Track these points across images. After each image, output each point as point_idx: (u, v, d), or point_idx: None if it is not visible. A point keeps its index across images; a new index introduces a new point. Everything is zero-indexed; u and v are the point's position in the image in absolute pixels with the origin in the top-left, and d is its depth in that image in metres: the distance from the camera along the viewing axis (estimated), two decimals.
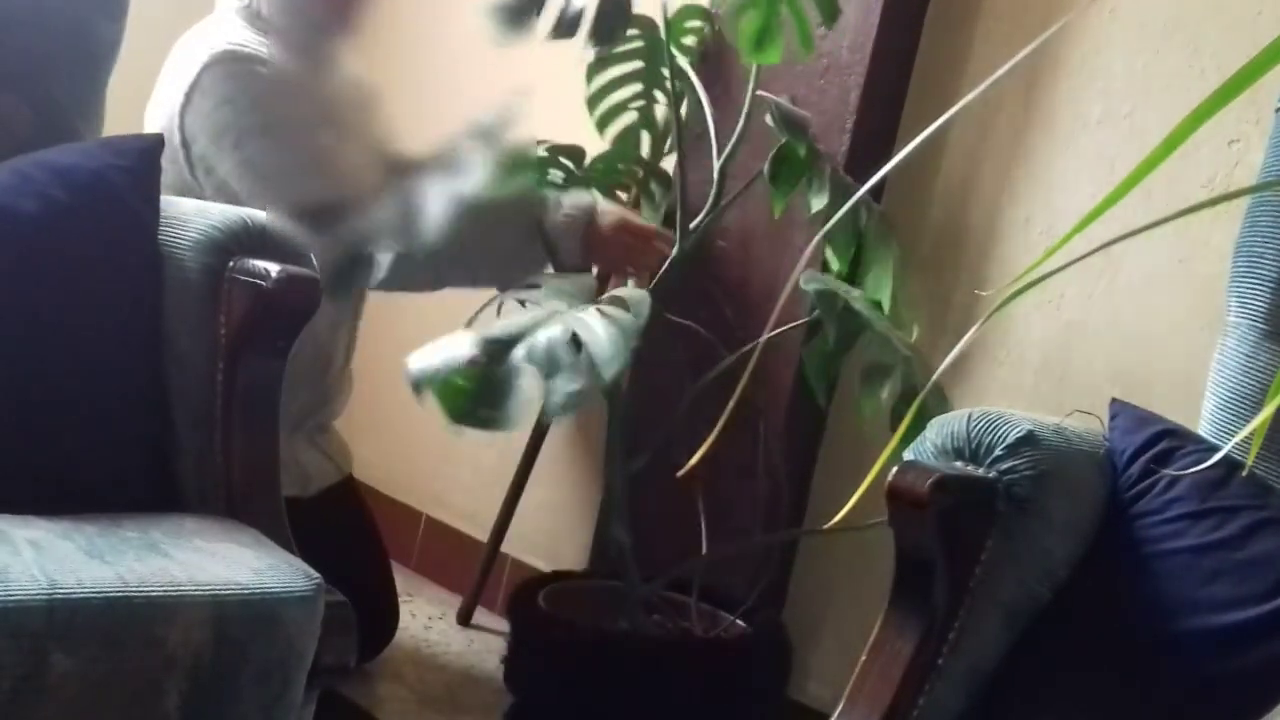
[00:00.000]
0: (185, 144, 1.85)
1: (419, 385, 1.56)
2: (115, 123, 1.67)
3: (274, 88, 1.85)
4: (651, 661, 1.83)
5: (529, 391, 1.55)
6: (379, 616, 2.16)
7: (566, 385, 1.55)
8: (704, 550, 1.96)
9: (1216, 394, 1.39)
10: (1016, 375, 1.88)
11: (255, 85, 1.83)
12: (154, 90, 1.92)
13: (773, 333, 1.88)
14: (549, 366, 1.55)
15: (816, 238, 1.83)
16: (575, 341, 1.52)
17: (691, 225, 1.91)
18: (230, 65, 1.83)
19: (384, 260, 1.81)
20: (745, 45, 1.78)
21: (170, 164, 1.87)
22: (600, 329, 1.56)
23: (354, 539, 2.15)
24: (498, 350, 1.55)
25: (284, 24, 1.91)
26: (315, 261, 1.66)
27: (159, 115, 1.89)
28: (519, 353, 1.54)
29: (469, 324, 1.73)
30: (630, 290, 1.75)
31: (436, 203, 1.76)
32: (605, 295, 1.72)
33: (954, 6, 1.98)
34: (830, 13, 1.84)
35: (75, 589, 1.12)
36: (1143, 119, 1.79)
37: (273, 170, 1.81)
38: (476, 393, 1.53)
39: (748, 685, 1.88)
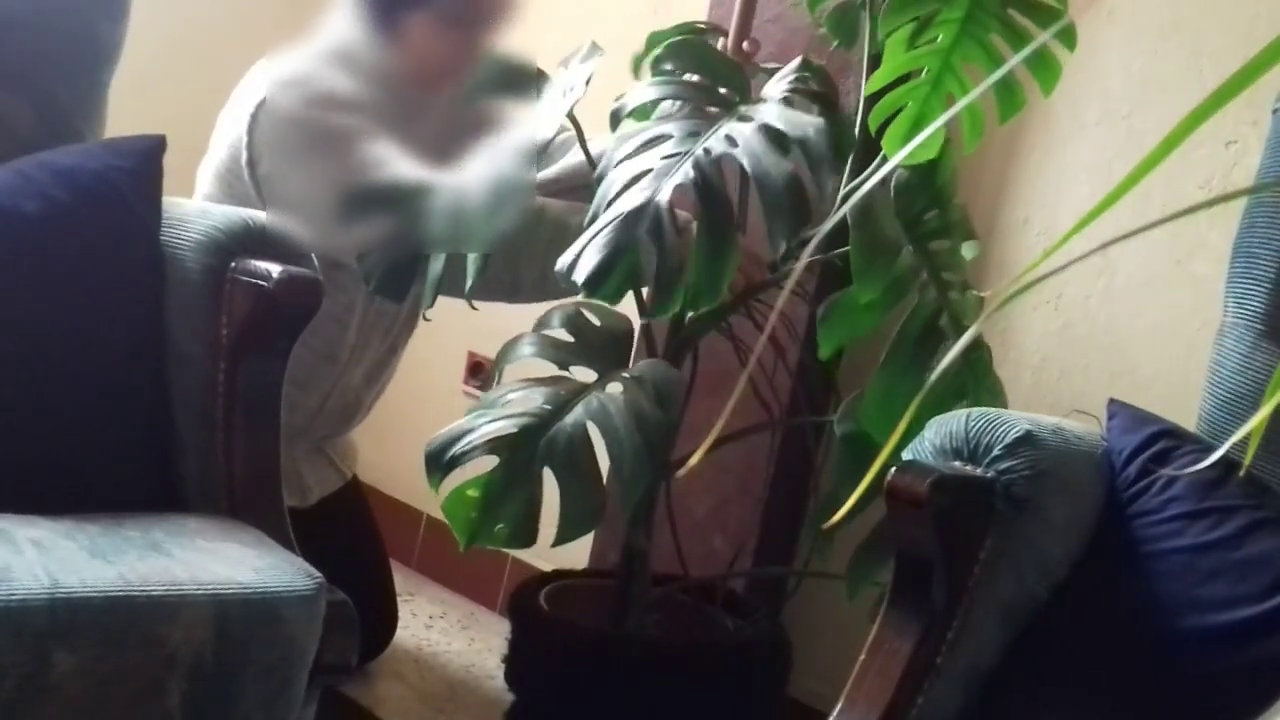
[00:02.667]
0: (252, 162, 1.86)
1: (433, 474, 1.54)
2: (117, 124, 1.67)
3: (334, 114, 1.83)
4: (652, 661, 1.83)
5: (541, 501, 1.52)
6: (379, 617, 2.16)
7: (582, 503, 1.51)
8: (702, 549, 1.96)
9: (1214, 394, 1.39)
10: (1014, 375, 1.88)
11: (315, 111, 1.82)
12: (227, 105, 1.93)
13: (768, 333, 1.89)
14: (567, 472, 1.51)
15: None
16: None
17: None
18: (296, 90, 1.82)
19: (470, 267, 1.73)
20: (889, 141, 1.60)
21: (237, 180, 1.88)
22: (624, 434, 1.51)
23: (354, 540, 2.15)
24: (516, 446, 1.51)
25: (371, 75, 1.90)
26: (367, 260, 1.61)
27: (229, 131, 1.90)
28: (539, 450, 1.51)
29: (487, 383, 1.69)
30: (660, 369, 1.66)
31: (500, 201, 1.68)
32: (634, 368, 1.65)
33: None
34: (1011, 107, 1.63)
35: (77, 588, 1.12)
36: (1140, 120, 1.79)
37: (320, 192, 1.79)
38: (488, 504, 1.51)
39: (747, 685, 1.89)
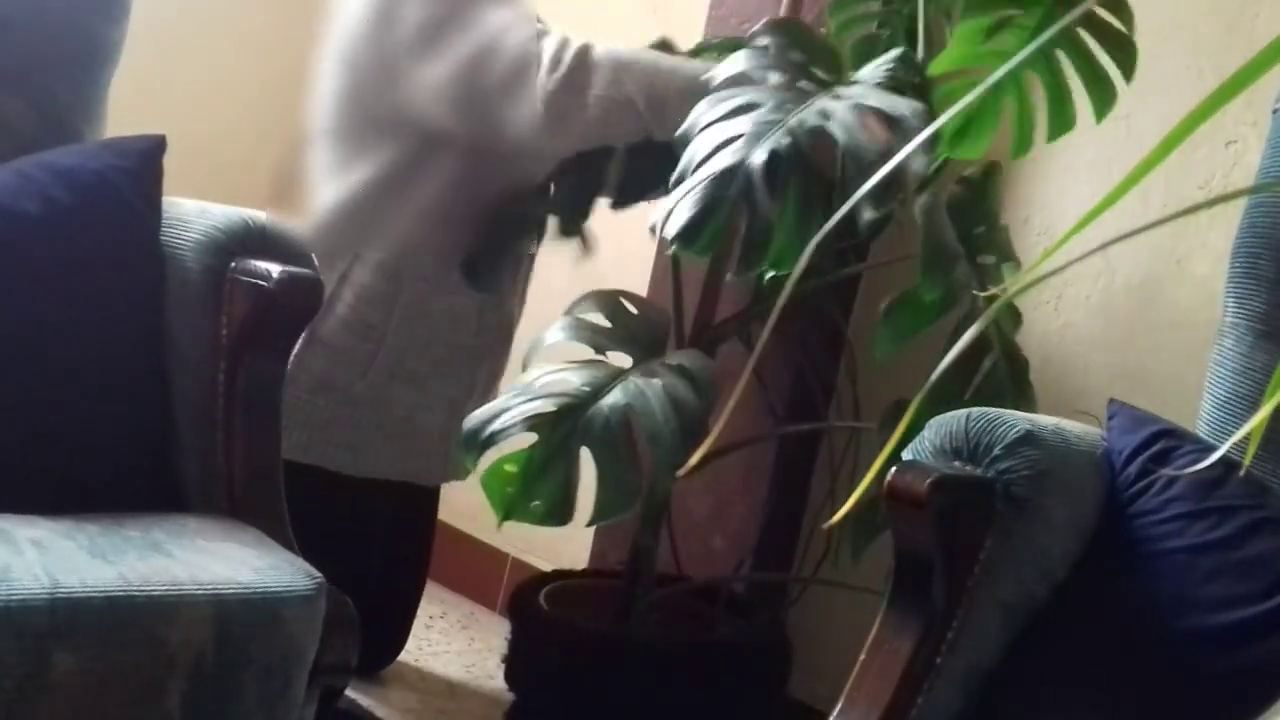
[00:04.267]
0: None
1: (469, 451, 1.55)
2: (117, 124, 1.68)
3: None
4: (652, 661, 1.83)
5: (580, 480, 1.52)
6: (399, 623, 2.17)
7: (620, 483, 1.52)
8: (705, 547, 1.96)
9: (1214, 394, 1.39)
10: None
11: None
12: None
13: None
14: (603, 454, 1.52)
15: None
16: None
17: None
18: None
19: None
20: (944, 133, 1.62)
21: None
22: (661, 417, 1.52)
23: (414, 542, 2.14)
24: (555, 424, 1.52)
25: None
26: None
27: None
28: (578, 428, 1.52)
29: (524, 365, 1.70)
30: (697, 359, 1.67)
31: None
32: (671, 356, 1.66)
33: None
34: (1062, 124, 1.66)
35: (77, 588, 1.12)
36: (1141, 120, 1.79)
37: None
38: (525, 480, 1.52)
39: (748, 685, 1.89)
